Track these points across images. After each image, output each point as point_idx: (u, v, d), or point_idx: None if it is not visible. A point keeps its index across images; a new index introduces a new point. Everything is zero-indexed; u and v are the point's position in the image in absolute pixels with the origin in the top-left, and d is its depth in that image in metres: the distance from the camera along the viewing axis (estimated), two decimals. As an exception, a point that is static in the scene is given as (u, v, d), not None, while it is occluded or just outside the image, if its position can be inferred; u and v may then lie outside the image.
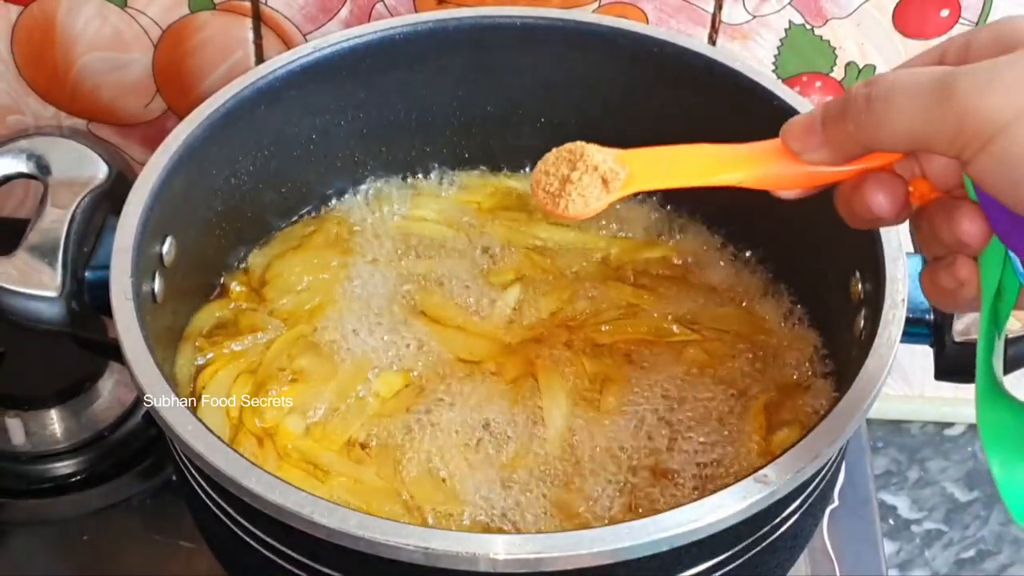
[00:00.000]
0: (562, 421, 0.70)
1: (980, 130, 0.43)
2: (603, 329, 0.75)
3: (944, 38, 0.51)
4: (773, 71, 0.87)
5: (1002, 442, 0.46)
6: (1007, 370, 0.64)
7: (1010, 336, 0.64)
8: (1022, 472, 0.46)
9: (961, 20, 0.83)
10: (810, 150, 0.49)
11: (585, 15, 0.79)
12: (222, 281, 0.78)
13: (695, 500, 0.55)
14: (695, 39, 0.81)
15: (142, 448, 0.84)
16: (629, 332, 0.75)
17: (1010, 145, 0.43)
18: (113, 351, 0.62)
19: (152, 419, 0.60)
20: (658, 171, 0.53)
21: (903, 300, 0.63)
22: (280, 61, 0.75)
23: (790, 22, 0.85)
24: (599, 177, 0.52)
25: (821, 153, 0.49)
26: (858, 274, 0.68)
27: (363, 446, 0.70)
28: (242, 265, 0.79)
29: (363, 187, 0.83)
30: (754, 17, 0.85)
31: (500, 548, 0.53)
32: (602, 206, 0.52)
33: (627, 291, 0.78)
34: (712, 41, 0.86)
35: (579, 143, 0.54)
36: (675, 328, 0.76)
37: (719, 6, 0.85)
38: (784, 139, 0.50)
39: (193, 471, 0.62)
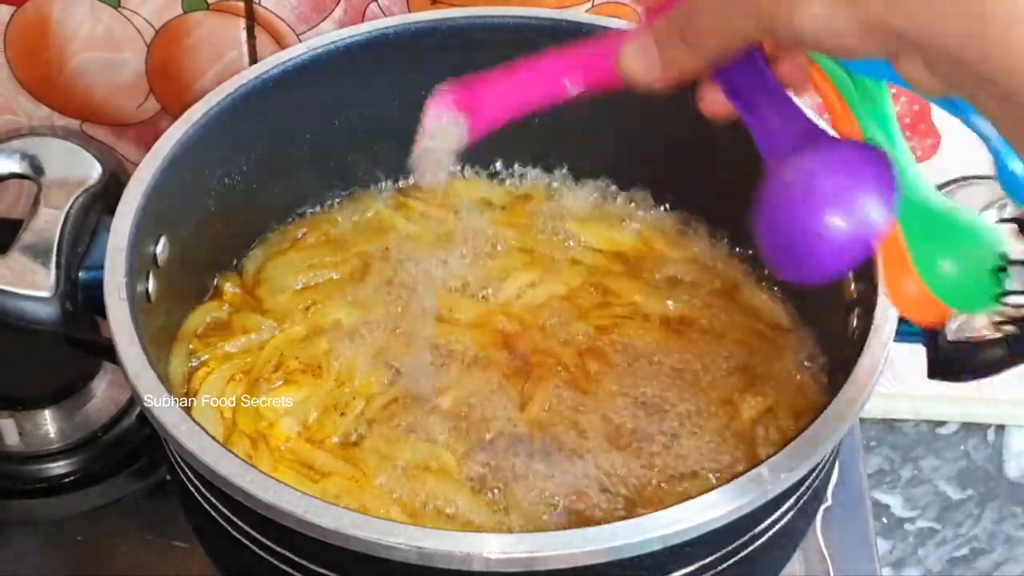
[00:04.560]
0: (551, 412, 0.71)
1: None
2: (596, 322, 0.76)
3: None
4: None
5: (921, 238, 0.50)
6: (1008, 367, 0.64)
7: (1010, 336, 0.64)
8: (935, 261, 0.50)
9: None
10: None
11: (578, 15, 0.79)
12: (216, 282, 0.78)
13: (685, 499, 0.55)
14: (688, 39, 0.81)
15: (136, 448, 0.84)
16: (622, 321, 0.76)
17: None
18: (107, 351, 0.62)
19: (146, 419, 0.60)
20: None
21: (896, 299, 0.63)
22: (273, 61, 0.75)
23: (783, 22, 0.85)
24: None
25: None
26: (851, 273, 0.68)
27: (356, 445, 0.70)
28: (236, 266, 0.79)
29: (356, 187, 0.83)
30: (747, 17, 0.85)
31: (494, 547, 0.53)
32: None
33: (621, 284, 0.78)
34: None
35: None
36: (670, 322, 0.76)
37: (712, 6, 0.85)
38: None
39: (187, 471, 0.62)
